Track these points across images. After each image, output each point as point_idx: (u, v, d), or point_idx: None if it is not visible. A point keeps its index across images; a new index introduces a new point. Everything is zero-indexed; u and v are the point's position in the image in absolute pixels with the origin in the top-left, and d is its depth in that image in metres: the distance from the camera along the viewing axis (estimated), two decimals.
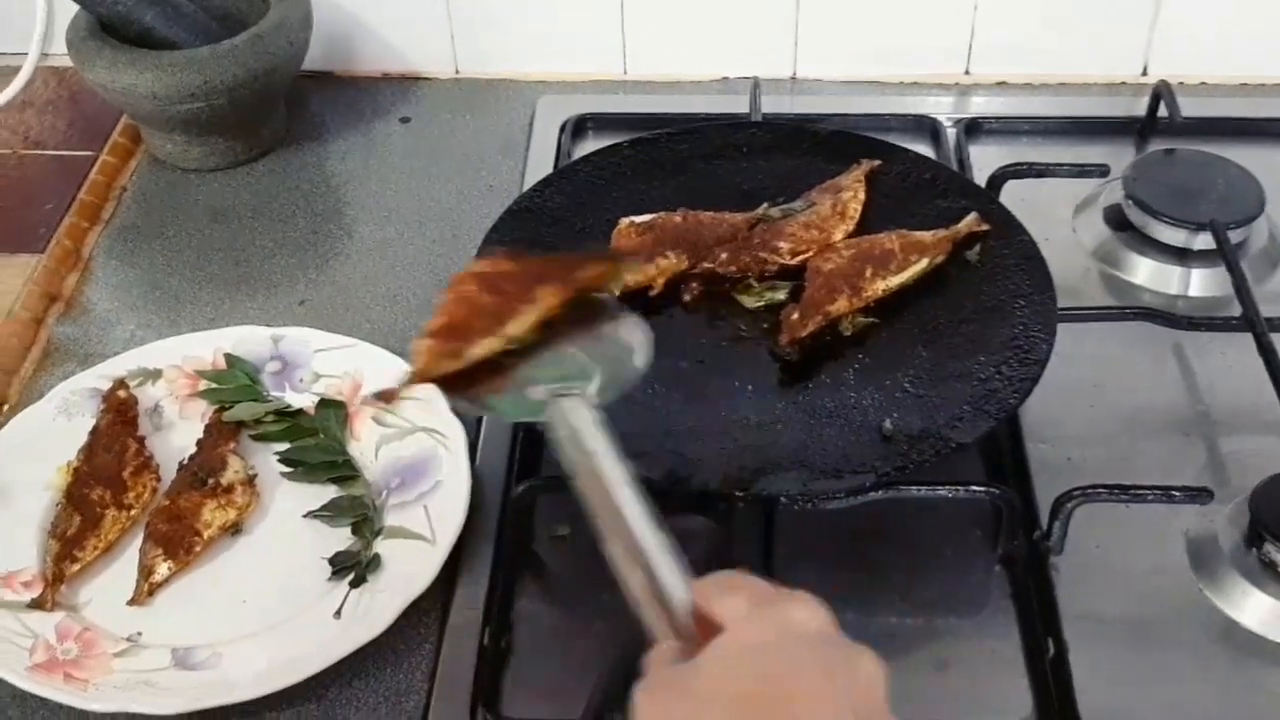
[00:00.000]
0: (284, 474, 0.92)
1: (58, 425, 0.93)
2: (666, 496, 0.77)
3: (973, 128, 1.19)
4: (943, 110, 1.22)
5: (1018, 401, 0.84)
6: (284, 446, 0.93)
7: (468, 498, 0.87)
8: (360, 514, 0.88)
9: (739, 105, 1.20)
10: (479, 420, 0.94)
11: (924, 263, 0.94)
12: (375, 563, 0.85)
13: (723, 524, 0.79)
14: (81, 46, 1.13)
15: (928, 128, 1.20)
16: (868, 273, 0.93)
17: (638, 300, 0.93)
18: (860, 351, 0.90)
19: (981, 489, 0.84)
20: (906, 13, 1.24)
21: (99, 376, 0.96)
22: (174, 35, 1.13)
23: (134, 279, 1.09)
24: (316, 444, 0.93)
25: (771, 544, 0.82)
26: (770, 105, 1.19)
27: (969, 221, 0.97)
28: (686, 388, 0.88)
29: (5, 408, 0.98)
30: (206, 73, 1.10)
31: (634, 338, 0.76)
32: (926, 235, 0.96)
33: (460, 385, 0.73)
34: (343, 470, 0.91)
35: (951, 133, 1.19)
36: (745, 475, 0.80)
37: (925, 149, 1.18)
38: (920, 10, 1.24)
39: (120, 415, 0.93)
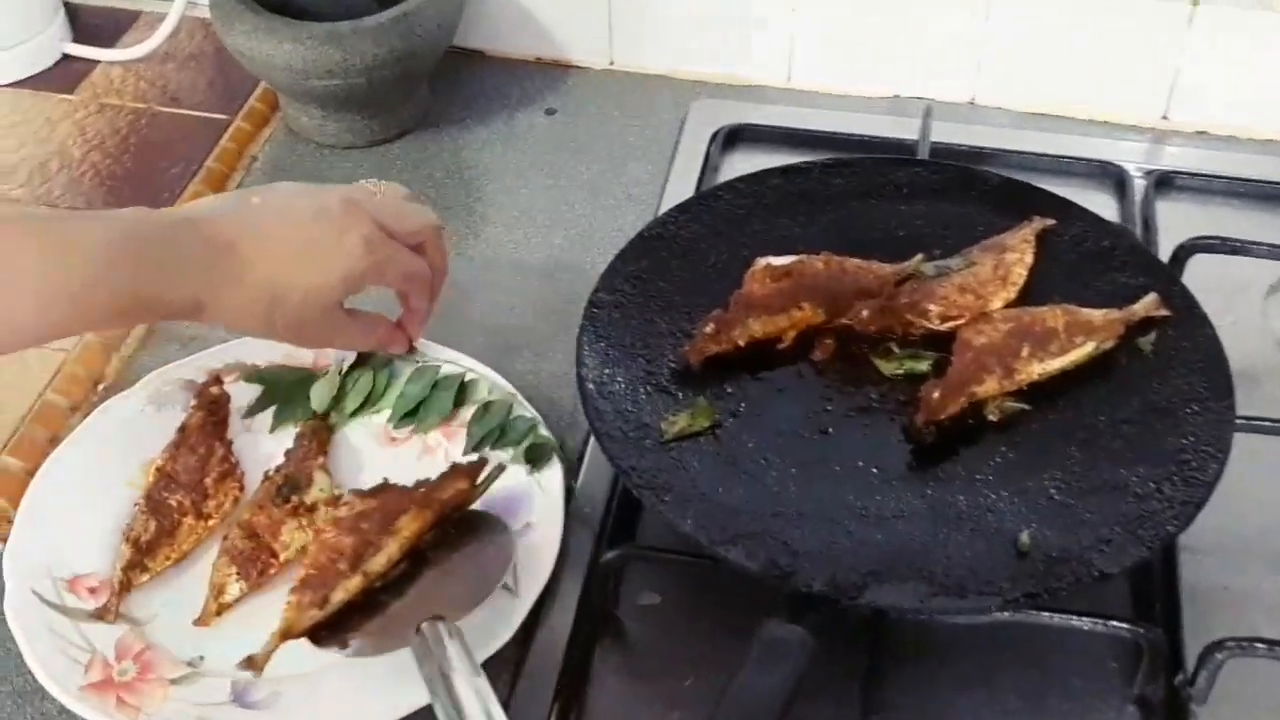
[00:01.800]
0: None
1: (146, 417, 0.89)
2: (761, 591, 0.72)
3: (1164, 181, 1.08)
4: (1132, 158, 1.11)
5: (1176, 529, 0.74)
6: None
7: (558, 548, 0.81)
8: None
9: (907, 130, 1.10)
10: (578, 463, 0.88)
11: (1089, 346, 0.84)
12: None
13: (820, 632, 0.71)
14: (223, 7, 1.08)
15: (1113, 176, 1.09)
16: (1024, 352, 0.83)
17: (764, 353, 0.86)
18: (1004, 443, 0.81)
19: (1123, 625, 0.75)
20: (1104, 43, 1.13)
21: (195, 368, 0.92)
22: (318, 4, 1.08)
23: None
24: None
25: (878, 656, 0.74)
26: (942, 133, 1.10)
27: (1147, 304, 0.86)
28: (803, 461, 0.80)
29: (101, 387, 0.95)
30: (346, 49, 1.05)
31: (502, 553, 0.78)
32: (1096, 314, 0.86)
33: (332, 633, 0.74)
34: None
35: (1140, 185, 1.08)
36: (855, 579, 0.72)
37: (1108, 199, 1.08)
38: (1119, 41, 1.12)
39: (210, 414, 0.89)
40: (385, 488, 0.80)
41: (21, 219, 0.78)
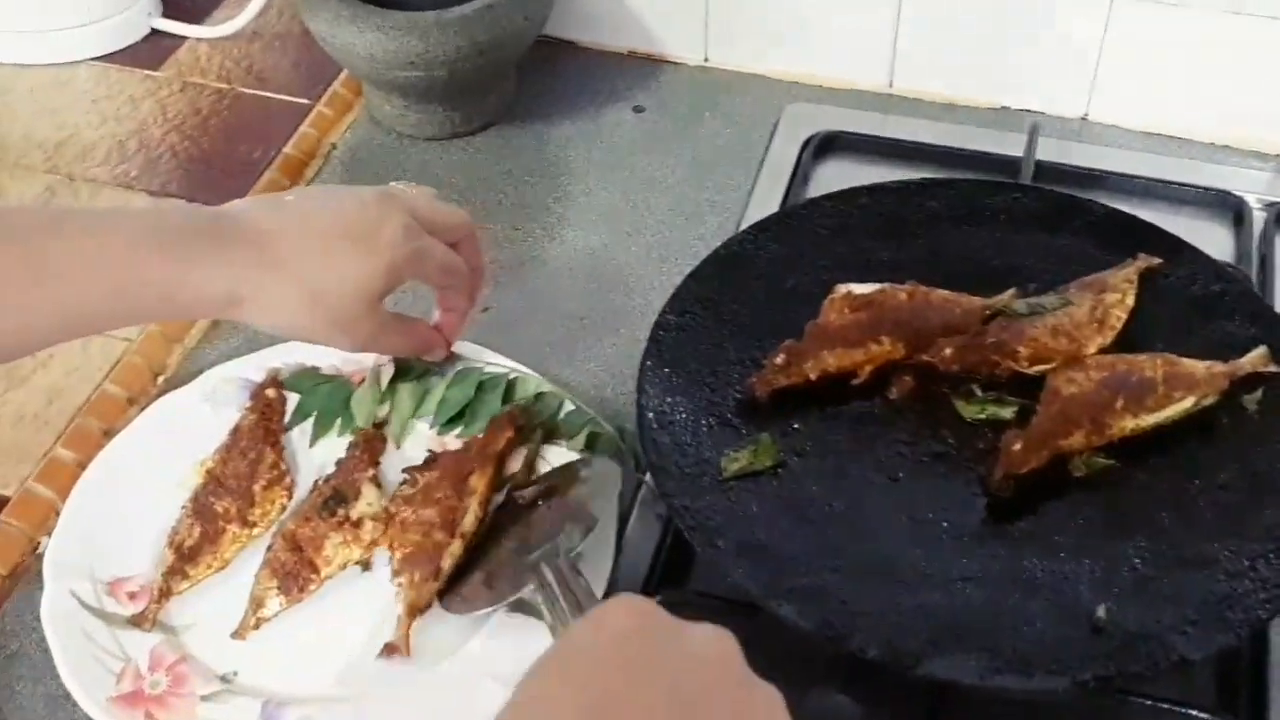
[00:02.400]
0: None
1: (201, 415, 0.88)
2: (815, 648, 0.68)
3: None
4: (1254, 187, 1.03)
5: (1268, 615, 0.68)
6: None
7: (605, 583, 0.77)
8: None
9: (1013, 146, 1.05)
10: (633, 498, 0.84)
11: (1189, 402, 0.78)
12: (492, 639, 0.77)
13: (873, 702, 0.66)
14: None
15: (1231, 208, 1.02)
16: (1118, 405, 0.77)
17: (836, 388, 0.81)
18: (1087, 503, 0.75)
19: (1204, 715, 0.69)
20: (1232, 62, 1.05)
21: (255, 366, 0.90)
22: None
23: None
24: None
25: None
26: (1049, 151, 1.04)
27: (1255, 359, 0.80)
28: (869, 510, 0.76)
29: (161, 379, 0.93)
30: (429, 40, 1.02)
31: (603, 481, 0.79)
32: (1199, 367, 0.79)
33: (451, 597, 0.77)
34: None
35: (1260, 218, 1.00)
36: (914, 646, 0.68)
37: (1224, 232, 1.01)
38: (1249, 62, 1.05)
39: (265, 418, 0.86)
40: (437, 457, 0.84)
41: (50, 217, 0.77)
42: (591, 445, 0.84)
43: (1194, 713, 0.69)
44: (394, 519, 0.81)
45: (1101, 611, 0.69)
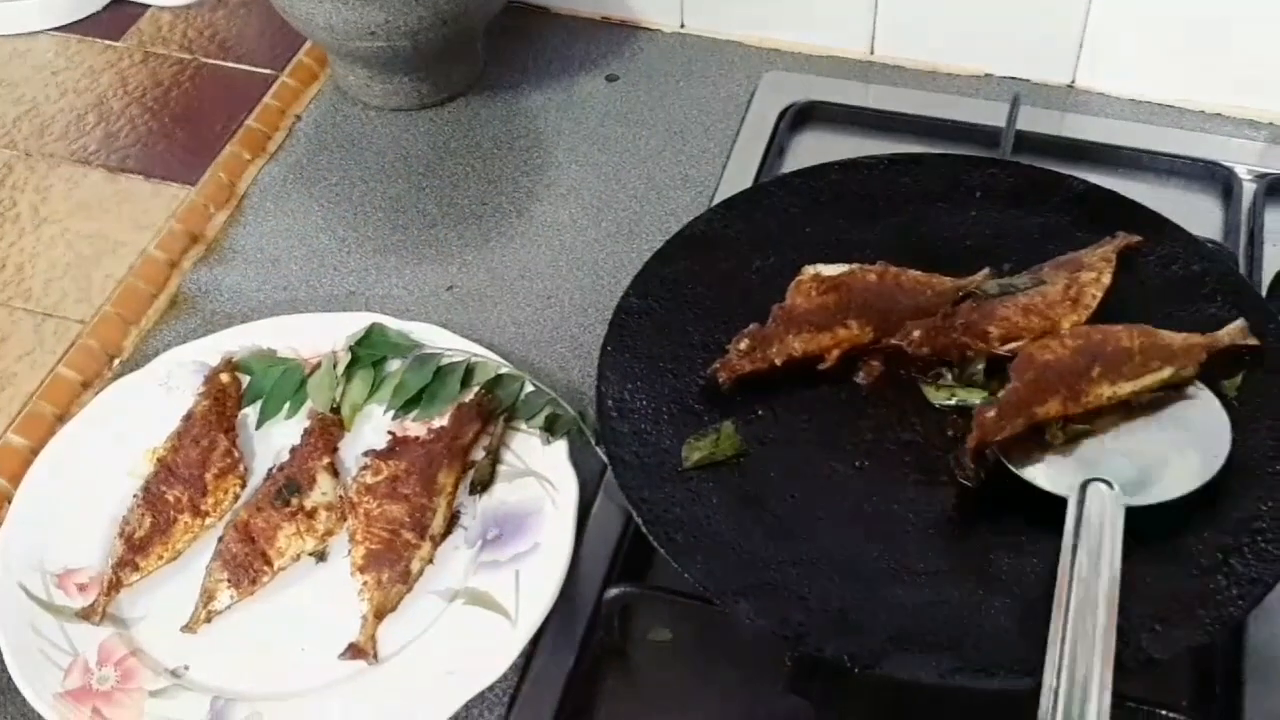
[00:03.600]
0: None
1: (155, 400, 0.85)
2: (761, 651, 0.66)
3: (1277, 188, 0.97)
4: (1245, 158, 1.00)
5: (1240, 613, 0.66)
6: None
7: (563, 575, 0.75)
8: None
9: (996, 116, 1.01)
10: (596, 485, 0.82)
11: (1166, 373, 0.76)
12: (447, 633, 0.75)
13: (829, 704, 0.64)
14: None
15: (1220, 180, 0.99)
16: (1094, 372, 0.75)
17: (803, 372, 0.78)
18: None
19: (1175, 716, 0.67)
20: (1227, 28, 1.01)
21: (210, 350, 0.88)
22: None
23: (283, 229, 1.00)
24: None
25: None
26: (1032, 121, 1.01)
27: (1233, 330, 0.78)
28: (832, 501, 0.73)
29: (116, 362, 0.91)
30: (390, 10, 0.99)
31: (1211, 425, 0.74)
32: (1177, 338, 0.77)
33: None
34: None
35: (1249, 189, 0.97)
36: (874, 644, 0.65)
37: (1212, 204, 0.98)
38: (1241, 24, 1.01)
39: (218, 403, 0.84)
40: (400, 442, 0.82)
41: None
42: (550, 427, 0.82)
43: (1165, 713, 0.67)
44: (356, 508, 0.79)
45: None
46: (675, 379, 0.79)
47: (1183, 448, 0.74)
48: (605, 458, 0.75)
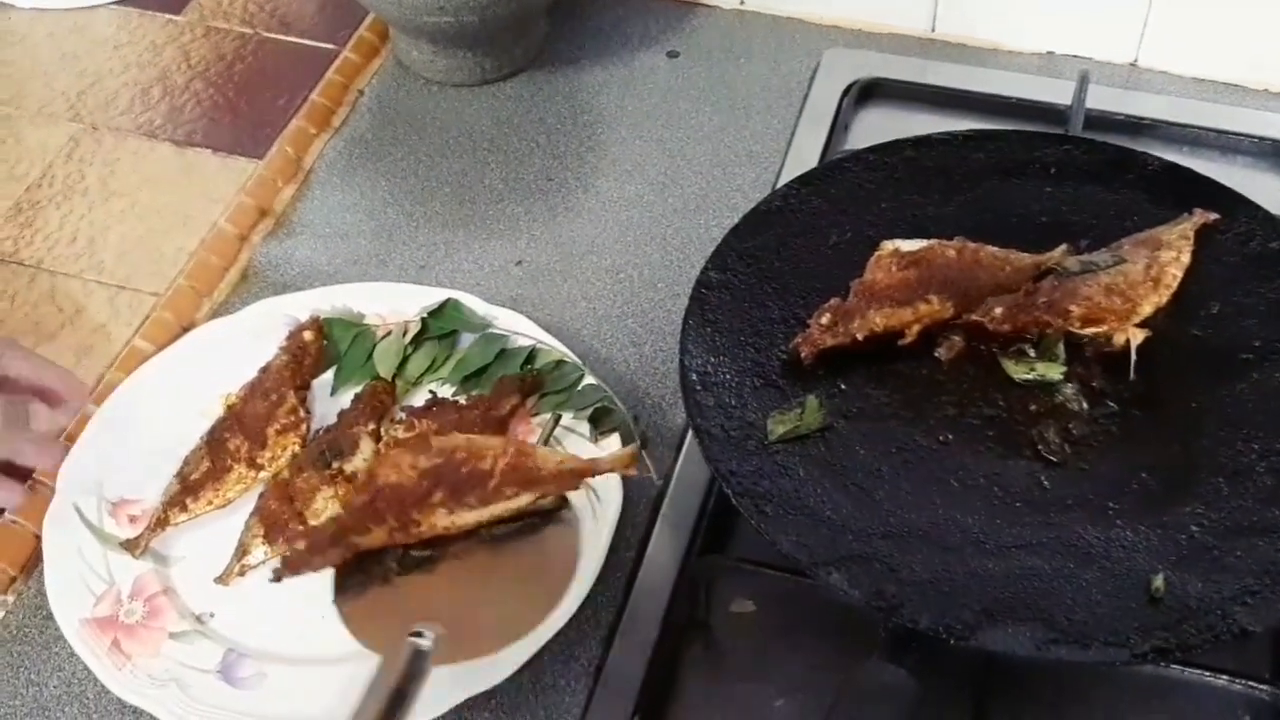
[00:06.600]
0: None
1: (241, 347, 0.87)
2: (864, 616, 0.66)
3: None
4: None
5: None
6: None
7: (587, 588, 0.75)
8: None
9: (1060, 94, 1.02)
10: (675, 456, 0.82)
11: (524, 500, 0.72)
12: None
13: (924, 674, 0.65)
14: None
15: None
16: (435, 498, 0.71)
17: (882, 347, 0.79)
18: (1145, 469, 0.73)
19: (1263, 687, 0.67)
20: None
21: (301, 305, 0.88)
22: None
23: (351, 203, 1.00)
24: None
25: (986, 701, 0.68)
26: (1098, 99, 1.01)
27: (614, 459, 0.74)
28: (919, 475, 0.73)
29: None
30: None
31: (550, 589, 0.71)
32: (550, 461, 0.73)
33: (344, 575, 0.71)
34: None
35: None
36: (967, 617, 0.66)
37: (1277, 183, 0.98)
38: None
39: (295, 359, 0.84)
40: (438, 404, 0.82)
41: None
42: (597, 420, 0.82)
43: (1251, 683, 0.67)
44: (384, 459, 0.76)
45: (1159, 581, 0.67)
46: (756, 353, 0.79)
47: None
48: (691, 431, 0.75)
